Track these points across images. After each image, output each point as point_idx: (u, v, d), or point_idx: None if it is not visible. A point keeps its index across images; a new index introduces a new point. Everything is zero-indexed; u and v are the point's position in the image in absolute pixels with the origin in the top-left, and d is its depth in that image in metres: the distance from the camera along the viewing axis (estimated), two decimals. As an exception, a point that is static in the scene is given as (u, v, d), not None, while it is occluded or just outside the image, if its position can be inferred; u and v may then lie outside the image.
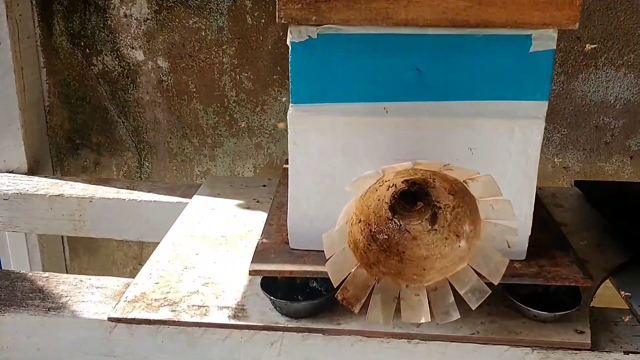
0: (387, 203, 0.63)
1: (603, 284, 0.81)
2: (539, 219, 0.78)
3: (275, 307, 0.71)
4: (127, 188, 1.06)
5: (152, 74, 1.16)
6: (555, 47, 0.61)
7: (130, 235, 1.05)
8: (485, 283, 0.59)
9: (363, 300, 0.59)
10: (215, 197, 1.00)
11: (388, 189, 0.62)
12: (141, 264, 1.30)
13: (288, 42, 0.63)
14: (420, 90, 0.63)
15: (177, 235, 0.88)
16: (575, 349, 0.66)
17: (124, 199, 1.03)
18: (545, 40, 0.60)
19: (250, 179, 1.08)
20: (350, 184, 0.54)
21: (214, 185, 1.04)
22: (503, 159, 0.65)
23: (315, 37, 0.62)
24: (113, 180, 1.09)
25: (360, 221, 0.61)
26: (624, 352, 0.67)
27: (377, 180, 0.57)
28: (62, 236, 1.25)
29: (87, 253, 1.30)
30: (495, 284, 0.58)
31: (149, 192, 1.05)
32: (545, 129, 1.09)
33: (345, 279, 0.58)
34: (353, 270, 0.58)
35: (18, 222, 1.05)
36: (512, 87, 0.62)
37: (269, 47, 1.11)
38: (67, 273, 1.31)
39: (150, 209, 1.03)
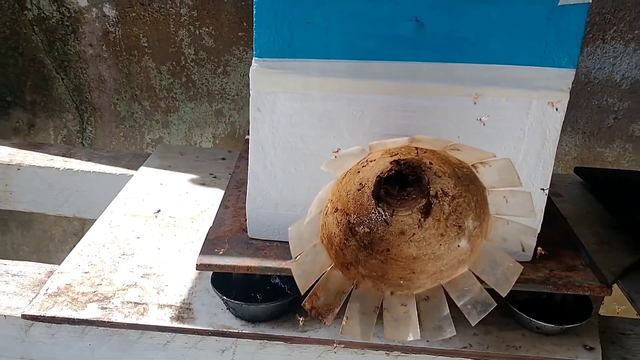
0: (371, 188, 0.50)
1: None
2: (547, 212, 0.67)
3: (228, 309, 0.59)
4: (64, 155, 0.91)
5: (96, 24, 1.00)
6: (590, 2, 0.48)
7: (66, 210, 0.91)
8: (489, 292, 0.47)
9: (337, 310, 0.47)
10: (165, 169, 0.87)
11: (372, 170, 0.49)
12: (82, 240, 1.16)
13: (253, -21, 0.49)
14: (419, 47, 0.50)
15: (116, 213, 0.74)
16: (586, 370, 0.56)
17: (59, 168, 0.88)
18: (578, -9, 0.48)
19: (207, 150, 0.95)
20: (326, 164, 0.41)
21: (165, 156, 0.91)
22: (515, 139, 0.53)
23: (289, -27, 0.48)
24: (47, 145, 0.95)
25: (336, 210, 0.48)
26: (641, 372, 0.57)
27: (361, 161, 0.45)
28: (-11, 207, 1.10)
29: (20, 227, 1.15)
30: (504, 295, 0.46)
31: (88, 160, 0.91)
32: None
33: (315, 282, 0.46)
34: (326, 272, 0.46)
35: None
36: (534, 49, 0.50)
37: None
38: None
39: (90, 180, 0.89)
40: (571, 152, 1.05)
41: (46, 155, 0.93)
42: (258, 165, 0.55)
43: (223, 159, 0.93)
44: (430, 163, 0.49)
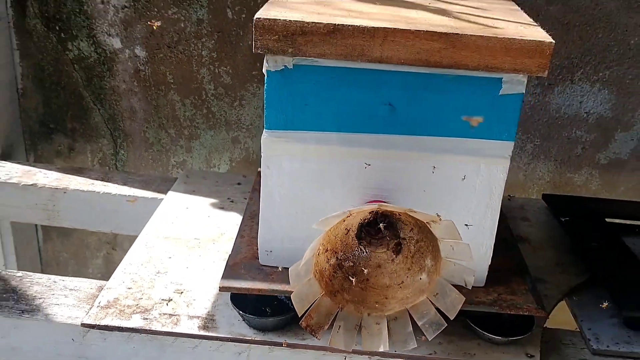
0: (355, 232, 0.65)
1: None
2: (502, 240, 0.81)
3: (243, 320, 0.73)
4: (102, 180, 1.06)
5: (129, 63, 1.15)
6: (524, 92, 0.62)
7: (104, 227, 1.06)
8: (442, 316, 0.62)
9: (326, 327, 0.61)
10: (189, 194, 1.01)
11: (354, 219, 0.64)
12: (115, 248, 1.32)
13: (264, 70, 0.64)
14: (392, 124, 0.65)
15: (150, 236, 0.89)
16: (526, 373, 0.70)
17: (99, 192, 1.03)
18: (515, 84, 0.62)
19: (225, 175, 1.09)
20: (318, 223, 0.56)
21: (189, 181, 1.05)
22: (469, 193, 0.67)
23: (291, 67, 0.63)
24: (88, 169, 1.10)
25: (327, 250, 0.63)
26: (571, 376, 0.71)
27: (343, 218, 0.59)
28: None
29: (60, 236, 1.31)
30: (451, 319, 0.61)
31: (124, 184, 1.06)
32: (519, 138, 1.12)
33: (310, 306, 0.60)
34: (317, 298, 0.61)
35: (-14, 210, 1.06)
36: (480, 127, 0.64)
37: (249, 42, 1.11)
38: (40, 255, 1.32)
39: (125, 203, 1.03)
40: (545, 177, 1.18)
41: (87, 179, 1.08)
42: (267, 210, 0.70)
43: (239, 183, 1.07)
44: (399, 214, 0.63)
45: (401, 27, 0.59)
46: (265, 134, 0.66)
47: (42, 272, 1.33)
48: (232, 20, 1.10)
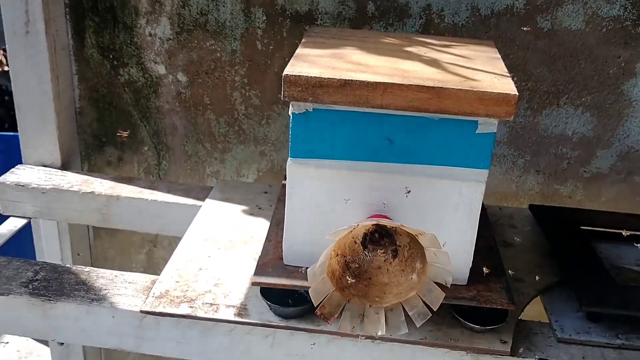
0: (360, 240, 0.81)
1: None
2: (487, 248, 0.98)
3: (270, 309, 0.90)
4: (149, 188, 1.24)
5: (172, 86, 1.32)
6: (495, 131, 0.78)
7: (150, 229, 1.23)
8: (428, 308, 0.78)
9: (336, 316, 0.78)
10: (224, 201, 1.19)
11: (360, 230, 0.81)
12: (156, 246, 1.50)
13: (289, 113, 0.80)
14: (390, 154, 0.81)
15: (192, 238, 1.07)
16: (498, 354, 0.86)
17: (147, 199, 1.21)
18: (488, 125, 0.78)
19: (253, 184, 1.26)
20: (330, 234, 0.73)
21: (223, 190, 1.22)
22: (453, 209, 0.83)
23: (311, 110, 0.80)
24: (136, 179, 1.27)
25: (337, 255, 0.79)
26: (536, 358, 0.87)
27: (350, 230, 0.76)
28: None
29: (108, 234, 1.49)
30: (435, 310, 0.77)
31: (168, 192, 1.23)
32: (512, 154, 1.27)
33: (323, 299, 0.77)
34: (329, 293, 0.78)
35: (53, 213, 1.24)
36: (461, 157, 0.80)
37: (275, 70, 1.28)
38: (90, 252, 1.51)
39: (170, 208, 1.21)
40: (534, 188, 1.34)
41: (137, 188, 1.26)
42: (291, 220, 0.87)
43: (265, 192, 1.24)
44: (396, 227, 0.80)
45: (397, 82, 0.76)
46: (290, 161, 0.83)
47: (92, 266, 1.51)
48: (261, 51, 1.27)
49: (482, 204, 0.91)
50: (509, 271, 0.95)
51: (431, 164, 0.81)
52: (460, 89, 0.75)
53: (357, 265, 0.82)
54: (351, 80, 0.76)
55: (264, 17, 1.24)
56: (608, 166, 1.30)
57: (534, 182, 1.33)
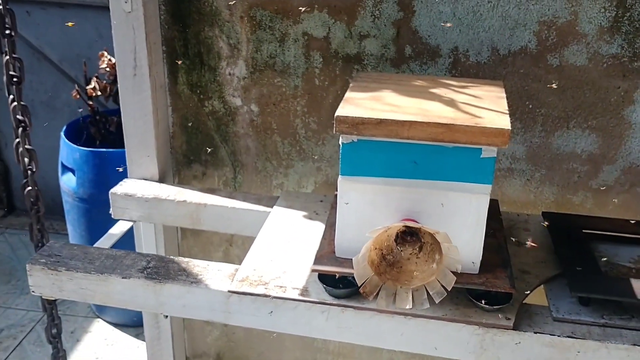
0: (393, 237, 1.08)
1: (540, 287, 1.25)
2: (498, 245, 1.22)
3: (326, 291, 1.17)
4: (229, 197, 1.54)
5: (246, 115, 1.62)
6: (495, 156, 1.04)
7: (230, 230, 1.53)
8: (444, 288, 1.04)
9: (375, 293, 1.05)
10: (288, 208, 1.47)
11: (393, 230, 1.07)
12: (232, 245, 1.80)
13: (340, 142, 1.08)
14: (416, 173, 1.07)
15: (265, 237, 1.35)
16: (503, 329, 1.11)
17: (227, 206, 1.51)
18: (489, 152, 1.04)
19: (311, 195, 1.53)
20: (369, 232, 1.00)
21: (287, 199, 1.50)
22: (465, 215, 1.09)
23: (356, 140, 1.07)
24: (217, 190, 1.57)
25: (376, 248, 1.06)
26: (533, 332, 1.11)
27: (385, 230, 1.03)
28: (177, 224, 1.74)
29: (193, 235, 1.80)
30: (449, 290, 1.03)
31: (244, 201, 1.53)
32: (530, 169, 1.51)
33: (365, 281, 1.04)
34: (370, 277, 1.05)
35: (154, 217, 1.55)
36: (471, 175, 1.06)
37: (330, 101, 1.56)
38: (178, 249, 1.82)
39: (245, 214, 1.50)
40: (550, 198, 1.57)
41: (219, 197, 1.56)
42: (341, 222, 1.14)
43: (321, 201, 1.51)
44: (420, 228, 1.06)
45: (419, 120, 1.02)
46: (340, 177, 1.10)
47: (179, 261, 1.82)
48: (318, 86, 1.55)
49: (499, 210, 1.16)
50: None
51: (448, 180, 1.07)
52: (468, 125, 1.01)
53: (392, 257, 1.08)
54: (385, 119, 1.03)
55: (321, 59, 1.53)
56: (613, 179, 1.51)
57: (549, 192, 1.56)
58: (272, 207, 1.47)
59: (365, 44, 1.49)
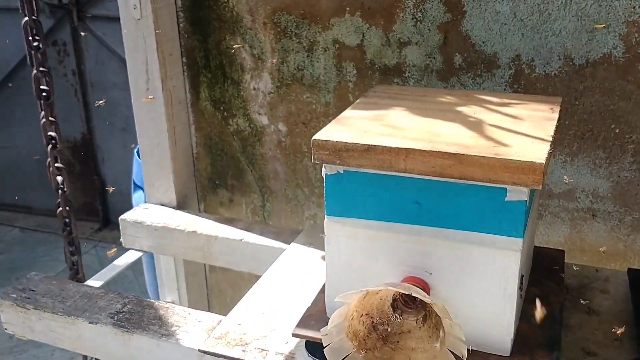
0: (390, 302, 0.82)
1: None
2: (548, 316, 0.91)
3: (314, 361, 0.93)
4: (245, 229, 1.34)
5: (273, 135, 1.41)
6: (526, 199, 0.75)
7: (243, 268, 1.32)
8: None
9: (356, 377, 0.79)
10: (306, 245, 1.24)
11: (388, 292, 0.81)
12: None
13: (323, 174, 0.84)
14: (420, 217, 0.80)
15: (265, 282, 1.13)
16: None
17: (240, 240, 1.31)
18: (518, 193, 0.75)
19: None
20: (340, 296, 0.74)
21: (310, 234, 1.27)
22: (486, 277, 0.80)
23: (342, 172, 0.82)
24: (236, 220, 1.38)
25: (361, 315, 0.80)
26: None
27: (364, 294, 0.77)
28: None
29: (222, 269, 1.61)
30: (452, 381, 0.75)
31: (260, 235, 1.32)
32: (617, 211, 1.17)
33: (343, 359, 0.79)
34: (350, 353, 0.79)
35: (163, 248, 1.38)
36: (493, 224, 0.77)
37: (366, 120, 1.31)
38: (206, 283, 1.64)
39: (259, 250, 1.29)
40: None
41: (234, 229, 1.36)
42: (331, 274, 0.89)
43: (350, 240, 1.28)
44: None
45: (419, 148, 0.76)
46: (326, 218, 0.86)
47: (208, 296, 1.65)
48: (352, 102, 1.31)
49: (563, 264, 0.86)
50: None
51: (462, 229, 0.79)
52: (483, 156, 0.73)
53: (386, 328, 0.82)
54: (374, 145, 0.77)
55: (355, 71, 1.29)
56: None
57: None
58: (289, 243, 1.25)
59: (406, 52, 1.23)
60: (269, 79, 1.37)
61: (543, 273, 1.01)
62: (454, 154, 0.74)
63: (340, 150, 0.79)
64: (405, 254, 0.83)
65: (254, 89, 1.39)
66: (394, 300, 0.81)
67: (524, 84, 1.17)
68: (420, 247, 0.82)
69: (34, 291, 1.14)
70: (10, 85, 3.66)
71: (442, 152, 0.75)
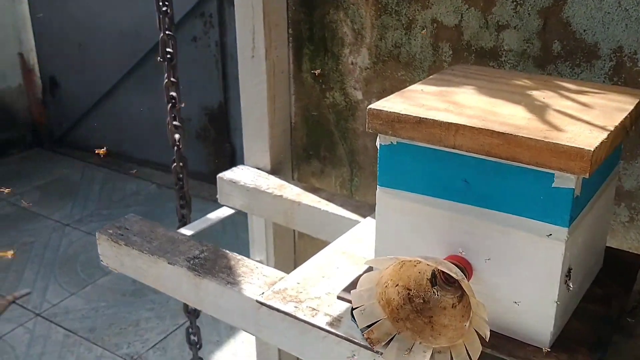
0: (428, 278, 0.82)
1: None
2: (603, 317, 0.87)
3: (358, 327, 0.95)
4: (328, 200, 1.38)
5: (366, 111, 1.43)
6: (573, 187, 0.72)
7: (320, 235, 1.37)
8: (475, 359, 0.76)
9: (383, 343, 0.81)
10: (381, 222, 1.26)
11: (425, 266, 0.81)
12: (343, 255, 1.62)
13: (377, 144, 0.85)
14: (467, 196, 0.80)
15: (333, 249, 1.16)
16: None
17: (320, 209, 1.35)
18: (565, 180, 0.72)
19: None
20: (368, 260, 0.76)
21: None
22: (529, 264, 0.78)
23: (395, 143, 0.83)
24: (322, 191, 1.42)
25: (397, 285, 0.82)
26: None
27: (402, 262, 0.78)
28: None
29: (309, 236, 1.67)
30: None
31: (340, 206, 1.35)
32: None
33: (372, 324, 0.81)
34: (381, 319, 0.81)
35: (253, 208, 1.46)
36: (539, 210, 0.75)
37: (458, 103, 1.30)
38: (294, 249, 1.71)
39: (336, 220, 1.33)
40: None
41: (317, 198, 1.40)
42: (380, 244, 0.91)
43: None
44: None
45: (469, 124, 0.75)
46: (378, 189, 0.88)
47: (295, 261, 1.71)
48: (445, 84, 1.30)
49: (637, 266, 0.82)
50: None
51: (508, 212, 0.78)
52: (531, 138, 0.71)
53: (422, 301, 0.83)
54: (425, 118, 0.78)
55: (450, 52, 1.27)
56: None
57: None
58: (365, 217, 1.28)
59: (504, 36, 1.20)
60: (366, 55, 1.39)
61: (613, 275, 0.96)
62: (503, 133, 0.73)
63: (393, 121, 0.81)
64: (450, 232, 0.83)
65: (352, 63, 1.41)
66: (433, 276, 0.82)
67: (624, 77, 1.10)
68: (466, 227, 0.81)
69: (128, 230, 1.26)
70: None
71: (491, 130, 0.74)
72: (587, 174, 0.69)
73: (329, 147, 1.52)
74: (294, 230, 1.69)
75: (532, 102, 0.83)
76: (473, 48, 1.25)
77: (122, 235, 1.24)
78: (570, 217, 0.73)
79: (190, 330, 1.72)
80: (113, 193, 4.44)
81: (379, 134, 0.84)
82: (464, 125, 0.75)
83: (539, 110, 0.80)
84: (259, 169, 1.54)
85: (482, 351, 0.78)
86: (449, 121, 0.76)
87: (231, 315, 1.10)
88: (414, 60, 1.32)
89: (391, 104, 0.83)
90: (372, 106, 0.82)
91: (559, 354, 0.80)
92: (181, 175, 1.60)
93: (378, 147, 0.85)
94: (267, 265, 1.67)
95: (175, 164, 1.57)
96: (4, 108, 4.93)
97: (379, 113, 0.81)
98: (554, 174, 0.72)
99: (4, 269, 3.53)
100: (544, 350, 0.80)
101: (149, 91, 4.08)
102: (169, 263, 1.15)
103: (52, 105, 5.03)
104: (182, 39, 3.78)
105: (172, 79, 1.52)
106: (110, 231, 1.26)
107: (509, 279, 0.80)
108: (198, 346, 1.74)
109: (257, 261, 1.61)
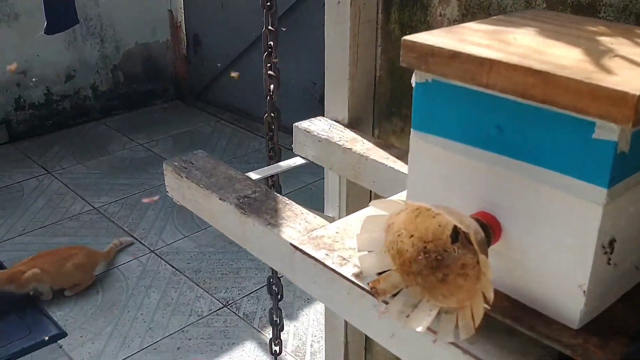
0: (448, 230, 0.74)
1: None
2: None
3: (383, 281, 0.89)
4: (395, 156, 1.31)
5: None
6: (616, 140, 0.61)
7: (384, 193, 1.30)
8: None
9: (389, 295, 0.74)
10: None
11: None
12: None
13: (412, 82, 0.78)
14: (501, 145, 0.71)
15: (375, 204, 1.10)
16: None
17: (387, 165, 1.28)
18: (606, 131, 0.61)
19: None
20: (373, 202, 0.70)
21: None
22: (561, 227, 0.68)
23: (430, 81, 0.76)
24: (393, 147, 1.35)
25: (411, 236, 0.75)
26: None
27: (418, 211, 0.71)
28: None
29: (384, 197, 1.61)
30: (475, 328, 0.66)
31: (407, 164, 1.28)
32: None
33: (380, 273, 0.75)
34: (389, 270, 0.74)
35: (323, 161, 1.42)
36: (575, 166, 0.65)
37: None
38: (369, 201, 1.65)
39: (402, 177, 1.26)
40: None
41: (386, 154, 1.34)
42: (412, 190, 0.84)
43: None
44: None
45: (504, 60, 0.66)
46: (412, 132, 0.80)
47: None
48: (535, 41, 1.17)
49: None
50: None
51: (543, 166, 0.68)
52: (571, 79, 0.61)
53: (439, 257, 0.75)
54: (459, 52, 0.70)
55: (545, 5, 1.14)
56: None
57: None
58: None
59: (606, -12, 1.06)
60: (456, 6, 1.28)
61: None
62: (540, 71, 0.63)
63: (427, 55, 0.73)
64: (481, 186, 0.74)
65: (440, 15, 1.32)
66: (455, 231, 0.74)
67: None
68: (498, 180, 0.72)
69: (193, 164, 1.28)
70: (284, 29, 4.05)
71: (527, 67, 0.64)
72: (629, 124, 0.58)
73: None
74: (369, 191, 1.64)
75: (595, 47, 0.72)
76: (569, 1, 1.11)
77: (186, 168, 1.26)
78: (612, 177, 0.62)
79: (271, 280, 1.73)
80: (238, 148, 4.60)
81: (414, 71, 0.77)
82: (499, 61, 0.66)
83: (598, 54, 0.69)
84: (337, 121, 1.50)
85: (504, 322, 0.70)
86: (483, 56, 0.67)
87: (272, 257, 1.08)
88: (505, 12, 1.20)
89: (429, 36, 0.75)
90: (406, 37, 0.75)
91: (589, 337, 0.69)
92: (272, 127, 1.59)
93: (413, 85, 0.78)
94: (340, 222, 1.63)
95: (266, 114, 1.57)
96: (152, 61, 5.26)
97: (413, 45, 0.74)
98: (595, 122, 0.62)
99: (129, 207, 3.80)
100: (572, 329, 0.70)
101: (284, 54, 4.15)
102: (220, 199, 1.15)
103: (194, 62, 5.28)
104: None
105: (269, 27, 1.51)
106: (176, 163, 1.28)
107: (539, 245, 0.70)
108: (279, 296, 1.76)
109: (329, 216, 1.59)
